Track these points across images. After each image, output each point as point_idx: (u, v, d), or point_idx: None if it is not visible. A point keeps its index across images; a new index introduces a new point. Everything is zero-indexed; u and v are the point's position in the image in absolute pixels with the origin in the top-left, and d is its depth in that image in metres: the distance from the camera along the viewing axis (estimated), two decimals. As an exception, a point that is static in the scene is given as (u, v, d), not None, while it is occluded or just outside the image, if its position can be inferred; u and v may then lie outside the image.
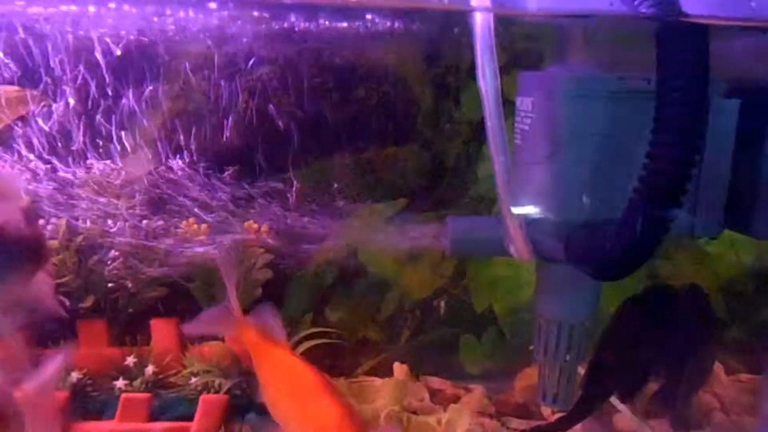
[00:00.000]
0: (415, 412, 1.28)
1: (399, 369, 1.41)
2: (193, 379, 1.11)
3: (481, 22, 0.65)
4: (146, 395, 1.13)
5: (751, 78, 0.85)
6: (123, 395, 1.13)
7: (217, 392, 1.11)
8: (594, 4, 0.72)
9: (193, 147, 1.25)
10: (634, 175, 0.75)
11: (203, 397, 1.10)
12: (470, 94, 1.46)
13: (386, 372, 1.41)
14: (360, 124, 1.41)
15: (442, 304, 1.47)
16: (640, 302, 1.02)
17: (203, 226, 1.20)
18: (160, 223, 1.16)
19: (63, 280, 1.16)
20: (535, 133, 0.85)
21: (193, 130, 1.27)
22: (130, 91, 1.21)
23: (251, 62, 1.30)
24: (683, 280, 1.39)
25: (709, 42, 0.72)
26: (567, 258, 0.84)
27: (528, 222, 0.90)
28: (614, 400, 1.14)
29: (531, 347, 0.97)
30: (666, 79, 0.70)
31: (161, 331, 1.23)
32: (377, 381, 1.38)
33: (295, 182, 1.31)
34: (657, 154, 0.71)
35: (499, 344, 1.46)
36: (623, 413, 1.21)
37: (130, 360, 1.17)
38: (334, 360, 1.43)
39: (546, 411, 1.31)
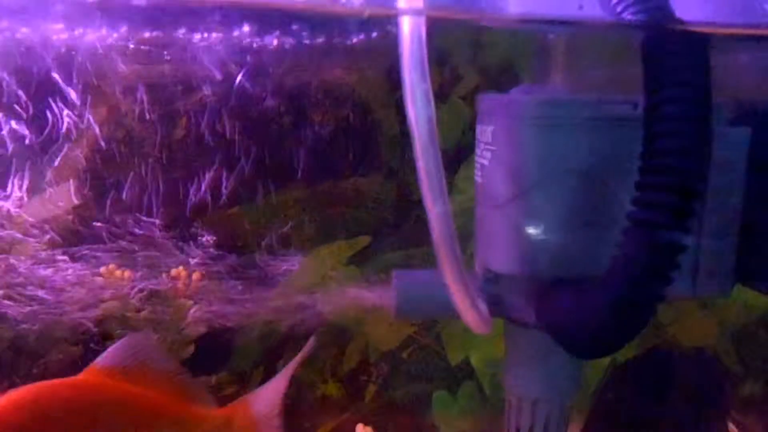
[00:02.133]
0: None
1: (363, 431, 1.25)
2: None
3: (410, 30, 0.49)
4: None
5: (763, 100, 0.69)
6: None
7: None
8: (562, 8, 0.57)
9: (118, 183, 1.09)
10: (620, 220, 0.60)
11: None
12: (442, 120, 1.30)
13: (348, 435, 1.25)
14: (316, 153, 1.25)
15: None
16: (635, 370, 0.85)
17: (126, 272, 1.04)
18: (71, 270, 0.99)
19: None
20: (496, 170, 0.68)
21: (122, 163, 1.12)
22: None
23: (188, 83, 1.15)
24: (687, 328, 1.23)
25: (710, 55, 0.57)
26: (539, 325, 0.68)
27: (490, 278, 0.74)
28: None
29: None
30: (656, 103, 0.55)
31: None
32: (338, 446, 1.22)
33: (240, 220, 1.15)
34: (648, 184, 0.55)
35: (477, 401, 1.29)
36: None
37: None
38: (289, 421, 1.26)
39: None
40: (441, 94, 1.25)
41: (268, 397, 0.73)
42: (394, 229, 1.28)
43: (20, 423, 0.53)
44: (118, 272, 1.05)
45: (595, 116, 0.65)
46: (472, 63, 1.27)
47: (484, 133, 0.72)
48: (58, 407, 0.57)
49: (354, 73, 1.23)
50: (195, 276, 1.06)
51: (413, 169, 1.45)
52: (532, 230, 0.68)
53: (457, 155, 1.32)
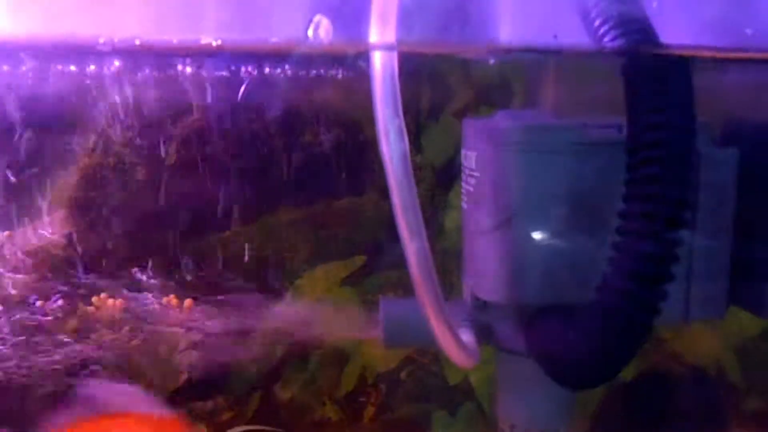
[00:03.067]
0: None
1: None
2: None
3: (381, 65, 0.48)
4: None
5: (751, 121, 0.67)
6: None
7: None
8: (539, 37, 0.56)
9: (103, 208, 1.09)
10: (607, 245, 0.58)
11: None
12: (431, 137, 1.30)
13: (347, 458, 1.23)
14: (309, 173, 1.24)
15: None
16: (633, 391, 0.84)
17: (117, 301, 1.03)
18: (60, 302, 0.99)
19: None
20: (480, 197, 0.67)
21: (109, 189, 1.11)
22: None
23: (176, 107, 1.15)
24: (688, 343, 1.21)
25: (693, 77, 0.56)
26: (529, 353, 0.66)
27: (479, 306, 0.72)
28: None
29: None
30: (636, 131, 0.53)
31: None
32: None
33: (230, 244, 1.14)
34: (632, 212, 0.53)
35: (478, 421, 1.27)
36: None
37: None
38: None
39: None
40: (433, 111, 1.24)
41: None
42: (389, 249, 1.27)
43: None
44: (110, 301, 1.05)
45: (579, 141, 0.64)
46: (464, 78, 1.26)
47: (469, 158, 0.71)
48: None
49: (345, 93, 1.22)
50: (186, 303, 1.06)
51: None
52: (518, 258, 0.67)
53: (449, 171, 1.31)
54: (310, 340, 1.07)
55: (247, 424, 1.19)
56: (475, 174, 0.69)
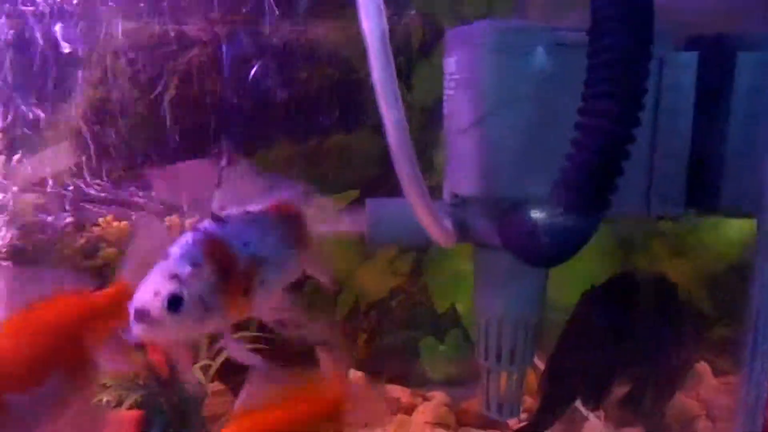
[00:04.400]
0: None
1: (354, 377, 1.29)
2: (105, 398, 0.99)
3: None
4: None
5: (712, 25, 0.72)
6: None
7: (131, 407, 0.99)
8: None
9: (113, 139, 1.14)
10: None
11: (112, 414, 0.98)
12: (422, 75, 1.34)
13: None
14: (303, 110, 1.29)
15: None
16: (603, 294, 0.90)
17: (123, 223, 1.09)
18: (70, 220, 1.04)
19: None
20: (459, 97, 0.73)
21: (116, 120, 1.16)
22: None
23: (179, 42, 1.19)
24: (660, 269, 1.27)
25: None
26: (501, 242, 0.72)
27: (457, 203, 0.78)
28: (579, 406, 1.02)
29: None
30: (598, 21, 0.58)
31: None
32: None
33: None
34: (590, 109, 0.59)
35: (464, 347, 1.34)
36: (592, 421, 1.08)
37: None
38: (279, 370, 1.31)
39: (513, 421, 1.18)
40: (424, 50, 1.29)
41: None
42: (383, 183, 1.33)
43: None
44: (115, 223, 1.11)
45: (550, 42, 0.69)
46: (454, 14, 1.29)
47: (449, 64, 0.76)
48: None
49: (338, 30, 1.26)
50: (187, 223, 1.11)
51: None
52: (493, 153, 0.72)
53: (440, 111, 1.36)
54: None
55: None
56: (455, 77, 0.75)
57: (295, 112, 1.28)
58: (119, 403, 0.99)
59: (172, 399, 0.96)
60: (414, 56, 1.29)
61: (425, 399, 1.23)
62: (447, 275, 1.33)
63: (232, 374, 1.12)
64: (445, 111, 0.77)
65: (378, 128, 1.52)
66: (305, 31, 1.23)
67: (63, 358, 0.60)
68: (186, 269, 0.55)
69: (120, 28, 1.14)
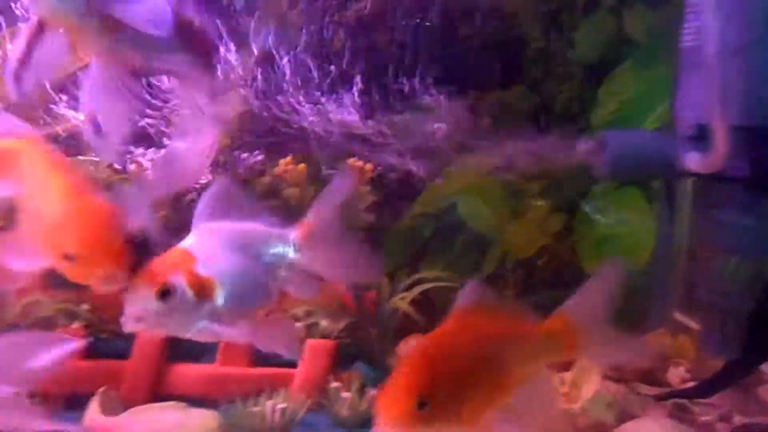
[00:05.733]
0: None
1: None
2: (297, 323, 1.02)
3: None
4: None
5: None
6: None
7: (323, 337, 1.01)
8: None
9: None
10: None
11: (309, 342, 1.01)
12: (585, 33, 1.34)
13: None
14: (464, 65, 1.30)
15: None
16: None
17: (300, 166, 1.12)
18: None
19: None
20: (715, 24, 0.72)
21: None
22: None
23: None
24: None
25: None
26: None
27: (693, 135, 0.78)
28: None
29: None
30: None
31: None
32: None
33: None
34: None
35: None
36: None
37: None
38: (431, 320, 1.33)
39: (672, 378, 1.18)
40: (588, 7, 1.28)
41: (584, 304, 0.71)
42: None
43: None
44: (291, 165, 1.13)
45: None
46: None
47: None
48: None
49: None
50: (368, 167, 1.14)
51: (556, 82, 1.49)
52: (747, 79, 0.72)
53: (599, 69, 1.35)
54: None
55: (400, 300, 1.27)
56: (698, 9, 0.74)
57: (456, 67, 1.29)
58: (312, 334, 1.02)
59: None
60: (578, 14, 1.29)
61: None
62: (596, 237, 1.33)
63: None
64: (689, 44, 0.77)
65: (533, 87, 1.51)
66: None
67: None
68: None
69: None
